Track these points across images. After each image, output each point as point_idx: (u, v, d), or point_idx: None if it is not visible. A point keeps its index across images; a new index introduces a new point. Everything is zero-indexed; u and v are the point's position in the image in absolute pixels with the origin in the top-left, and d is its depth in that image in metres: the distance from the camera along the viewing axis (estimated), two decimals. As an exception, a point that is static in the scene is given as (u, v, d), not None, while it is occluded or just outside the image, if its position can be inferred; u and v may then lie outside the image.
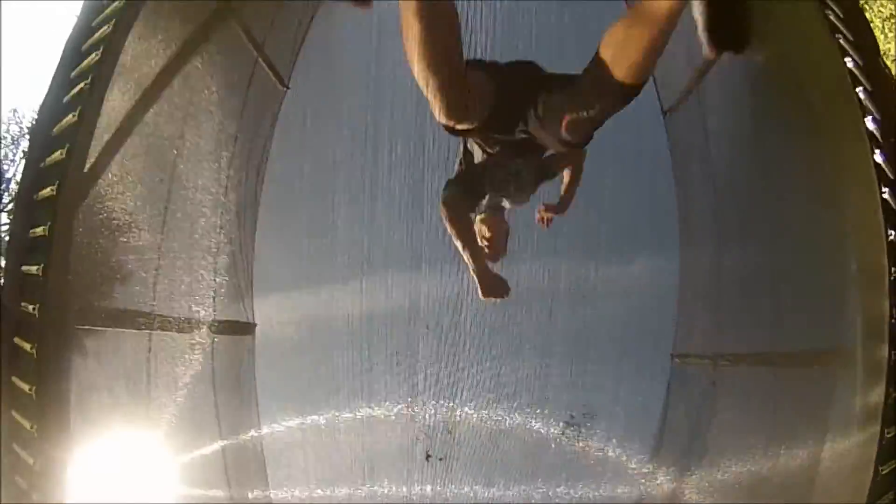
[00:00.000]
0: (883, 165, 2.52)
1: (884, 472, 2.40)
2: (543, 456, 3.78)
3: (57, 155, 2.60)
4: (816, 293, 2.93)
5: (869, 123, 2.64)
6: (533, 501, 3.49)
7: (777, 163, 3.16)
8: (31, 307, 2.51)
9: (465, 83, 1.56)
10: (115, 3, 2.72)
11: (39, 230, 2.55)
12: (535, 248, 3.40)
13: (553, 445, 3.73)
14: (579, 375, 3.55)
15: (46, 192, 2.57)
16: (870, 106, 2.68)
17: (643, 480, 3.15)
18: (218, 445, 3.63)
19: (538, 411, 3.75)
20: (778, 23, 3.00)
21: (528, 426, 3.75)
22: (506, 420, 3.80)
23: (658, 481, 3.14)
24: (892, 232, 2.47)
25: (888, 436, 2.41)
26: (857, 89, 2.70)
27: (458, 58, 1.49)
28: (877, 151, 2.55)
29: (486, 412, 3.85)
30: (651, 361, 3.36)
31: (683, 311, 3.30)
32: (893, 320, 2.48)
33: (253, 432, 4.01)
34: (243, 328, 3.97)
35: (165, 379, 3.40)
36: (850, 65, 2.75)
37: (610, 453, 3.30)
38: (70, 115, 2.61)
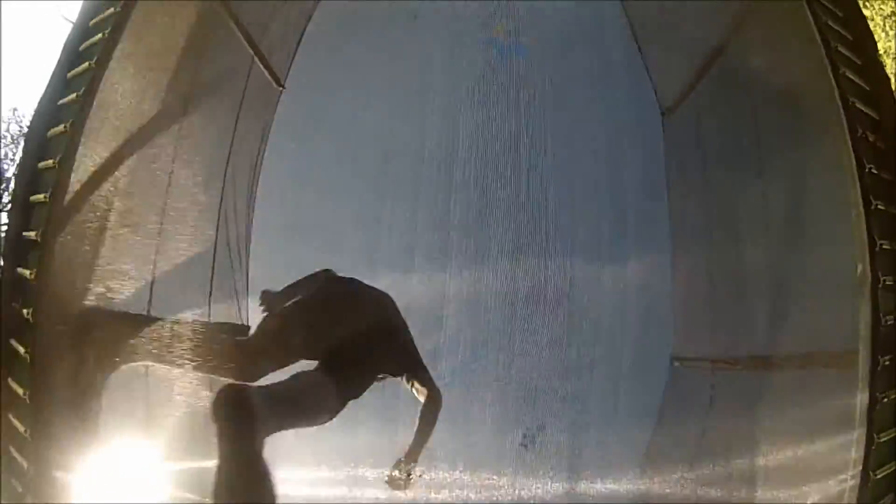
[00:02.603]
0: (875, 171, 2.51)
1: (878, 477, 2.40)
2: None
3: (50, 160, 2.60)
4: (814, 295, 2.93)
5: (866, 126, 2.63)
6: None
7: (773, 164, 3.16)
8: (25, 311, 2.52)
9: None
10: (111, 9, 2.72)
11: (32, 234, 2.54)
12: (527, 252, 3.37)
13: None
14: (574, 381, 3.52)
15: (40, 197, 2.57)
16: (867, 108, 2.67)
17: (638, 485, 3.15)
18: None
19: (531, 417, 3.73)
20: (776, 23, 2.99)
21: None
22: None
23: (653, 486, 3.14)
24: (884, 241, 2.45)
25: (882, 440, 2.41)
26: (856, 90, 2.70)
27: None
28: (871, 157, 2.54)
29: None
30: (649, 366, 3.34)
31: (681, 315, 3.30)
32: (884, 325, 2.48)
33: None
34: (238, 330, 3.97)
35: (161, 381, 3.40)
36: (848, 64, 2.74)
37: (606, 457, 3.30)
38: (63, 123, 2.61)
